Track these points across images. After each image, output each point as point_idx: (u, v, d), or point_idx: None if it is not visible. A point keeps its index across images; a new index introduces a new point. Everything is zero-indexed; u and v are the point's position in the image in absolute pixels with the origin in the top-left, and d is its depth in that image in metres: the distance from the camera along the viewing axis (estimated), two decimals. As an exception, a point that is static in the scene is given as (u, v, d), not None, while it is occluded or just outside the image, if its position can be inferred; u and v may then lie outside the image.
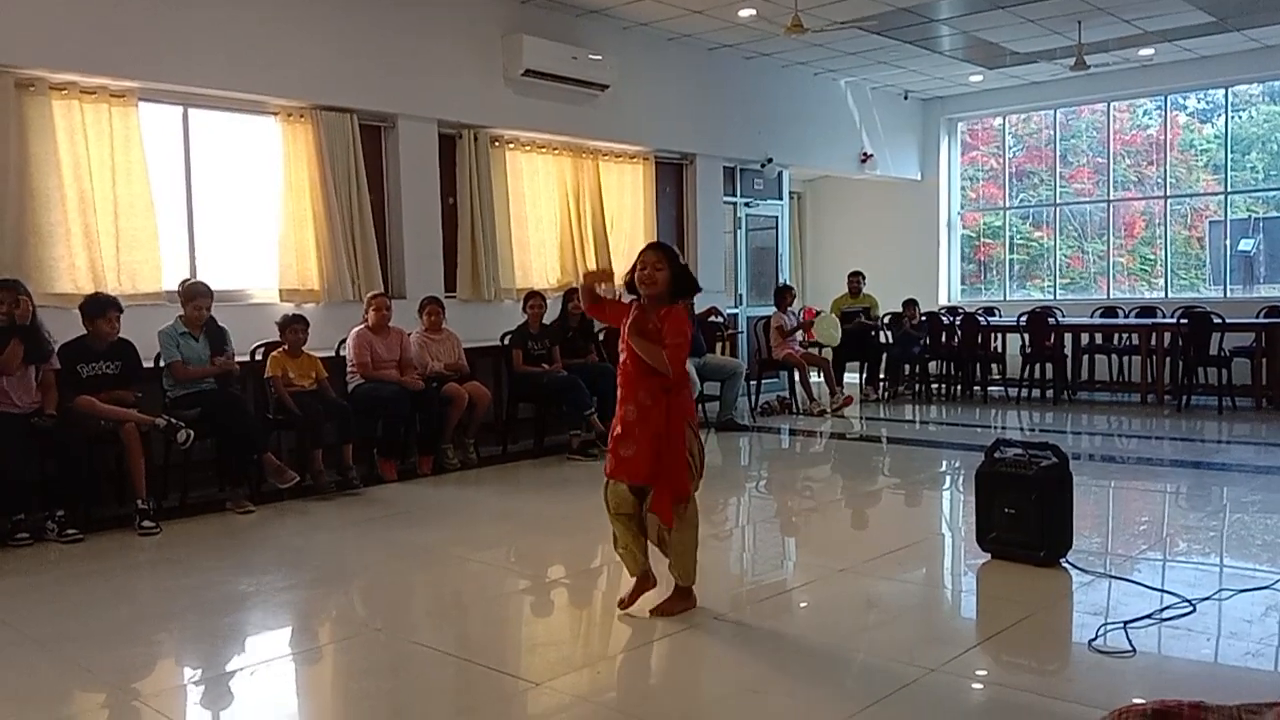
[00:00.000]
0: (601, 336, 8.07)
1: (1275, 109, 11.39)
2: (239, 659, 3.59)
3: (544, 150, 9.04)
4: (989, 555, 4.37)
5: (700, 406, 8.82)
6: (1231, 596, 3.82)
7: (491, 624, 3.94)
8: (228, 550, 5.03)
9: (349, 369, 6.75)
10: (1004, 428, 8.93)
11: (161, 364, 5.84)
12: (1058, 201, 12.50)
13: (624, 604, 3.76)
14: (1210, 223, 11.83)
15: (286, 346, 6.32)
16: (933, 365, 10.86)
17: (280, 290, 7.26)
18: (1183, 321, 9.23)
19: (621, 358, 3.67)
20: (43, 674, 3.37)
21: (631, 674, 3.36)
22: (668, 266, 3.58)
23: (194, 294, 5.98)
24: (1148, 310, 10.71)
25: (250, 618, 4.01)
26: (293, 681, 3.43)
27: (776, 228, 11.79)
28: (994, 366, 10.70)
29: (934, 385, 10.80)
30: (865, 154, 12.18)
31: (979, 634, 3.71)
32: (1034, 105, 12.44)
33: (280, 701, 3.25)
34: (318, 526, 5.52)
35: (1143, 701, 1.86)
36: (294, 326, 6.34)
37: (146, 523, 5.23)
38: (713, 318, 9.63)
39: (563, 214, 9.23)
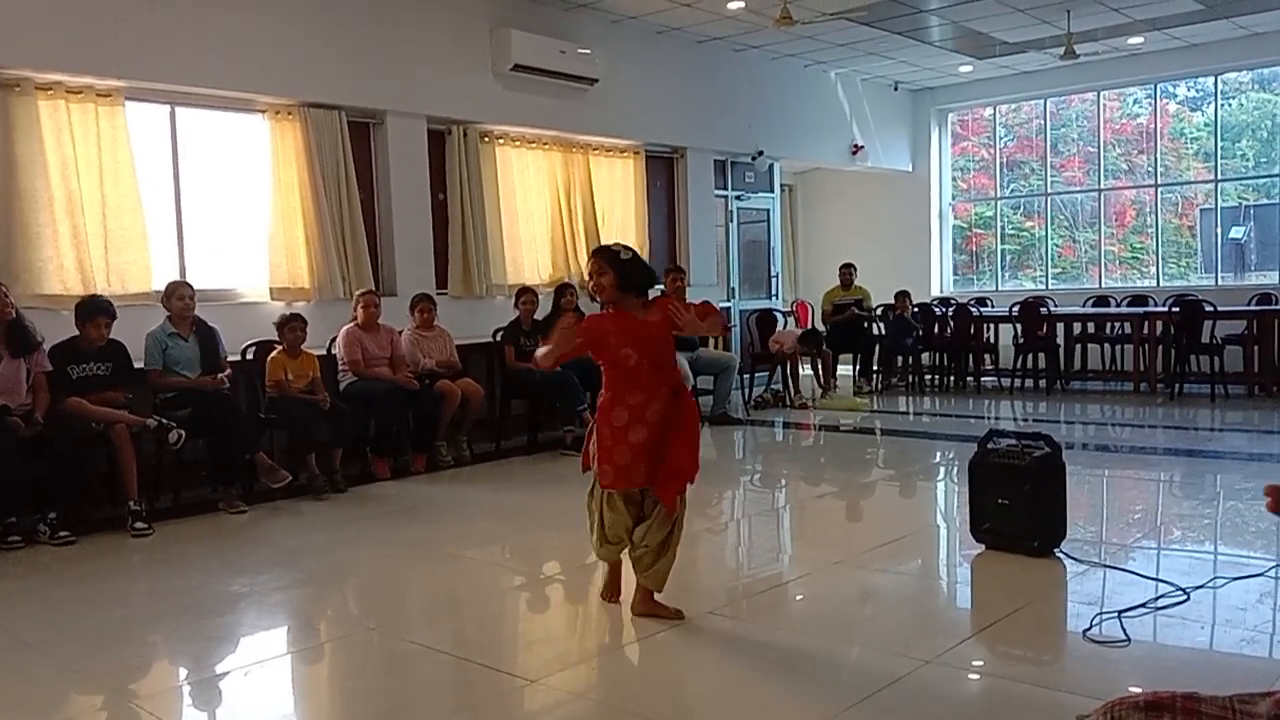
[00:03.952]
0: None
1: (1265, 96, 11.40)
2: (233, 659, 3.57)
3: (534, 145, 9.02)
4: (983, 546, 4.37)
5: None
6: (1225, 584, 3.83)
7: (486, 621, 3.93)
8: (221, 551, 5.01)
9: (340, 367, 6.72)
10: (997, 418, 8.95)
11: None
12: (1048, 191, 12.51)
13: (613, 598, 3.77)
14: (1201, 211, 11.85)
15: (285, 346, 6.28)
16: (925, 356, 10.88)
17: (271, 289, 7.23)
18: (1174, 310, 9.25)
19: (630, 363, 3.50)
20: (37, 677, 3.35)
21: (626, 669, 3.36)
22: (610, 269, 3.52)
23: (174, 289, 5.98)
24: (1139, 299, 10.74)
25: (244, 618, 4.00)
26: (288, 681, 3.43)
27: (768, 220, 11.77)
28: (986, 357, 10.72)
29: (927, 376, 10.81)
30: (856, 146, 12.18)
31: (974, 625, 3.71)
32: (1024, 95, 12.45)
33: (275, 701, 3.24)
34: (311, 526, 5.50)
35: (1137, 691, 1.86)
36: (292, 325, 6.27)
37: (139, 524, 5.21)
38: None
39: (554, 209, 9.21)
